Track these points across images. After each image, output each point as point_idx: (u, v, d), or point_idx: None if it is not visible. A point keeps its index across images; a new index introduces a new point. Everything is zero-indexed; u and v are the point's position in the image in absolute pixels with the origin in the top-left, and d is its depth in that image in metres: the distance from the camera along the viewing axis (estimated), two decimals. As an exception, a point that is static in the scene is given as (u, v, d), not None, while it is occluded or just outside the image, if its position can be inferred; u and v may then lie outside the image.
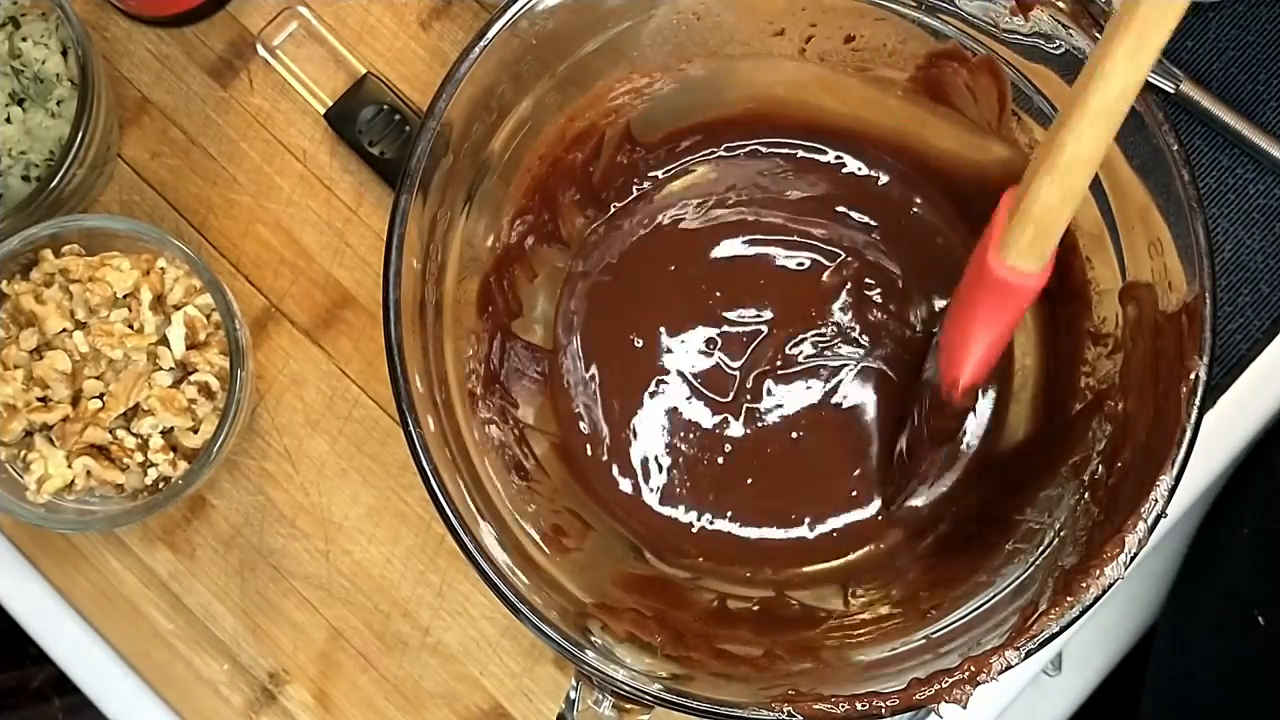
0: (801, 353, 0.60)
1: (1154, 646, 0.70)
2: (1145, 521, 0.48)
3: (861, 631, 0.54)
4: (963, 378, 0.50)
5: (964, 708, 0.48)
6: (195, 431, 0.58)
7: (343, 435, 0.63)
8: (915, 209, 0.60)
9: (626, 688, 0.48)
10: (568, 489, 0.59)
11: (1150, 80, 0.49)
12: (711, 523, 0.59)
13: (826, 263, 0.60)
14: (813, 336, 0.60)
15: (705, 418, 0.60)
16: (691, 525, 0.59)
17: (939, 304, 0.60)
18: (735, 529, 0.59)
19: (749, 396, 0.60)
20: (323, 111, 0.63)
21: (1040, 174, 0.44)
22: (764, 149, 0.61)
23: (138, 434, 0.58)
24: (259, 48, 0.64)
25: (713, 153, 0.61)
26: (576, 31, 0.52)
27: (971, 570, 0.53)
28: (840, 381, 0.60)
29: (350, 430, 0.63)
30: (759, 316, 0.60)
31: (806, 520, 0.59)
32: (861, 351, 0.60)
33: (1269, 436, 0.63)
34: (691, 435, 0.59)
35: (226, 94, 0.64)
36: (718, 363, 0.60)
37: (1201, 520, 0.68)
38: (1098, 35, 0.49)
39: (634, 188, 0.61)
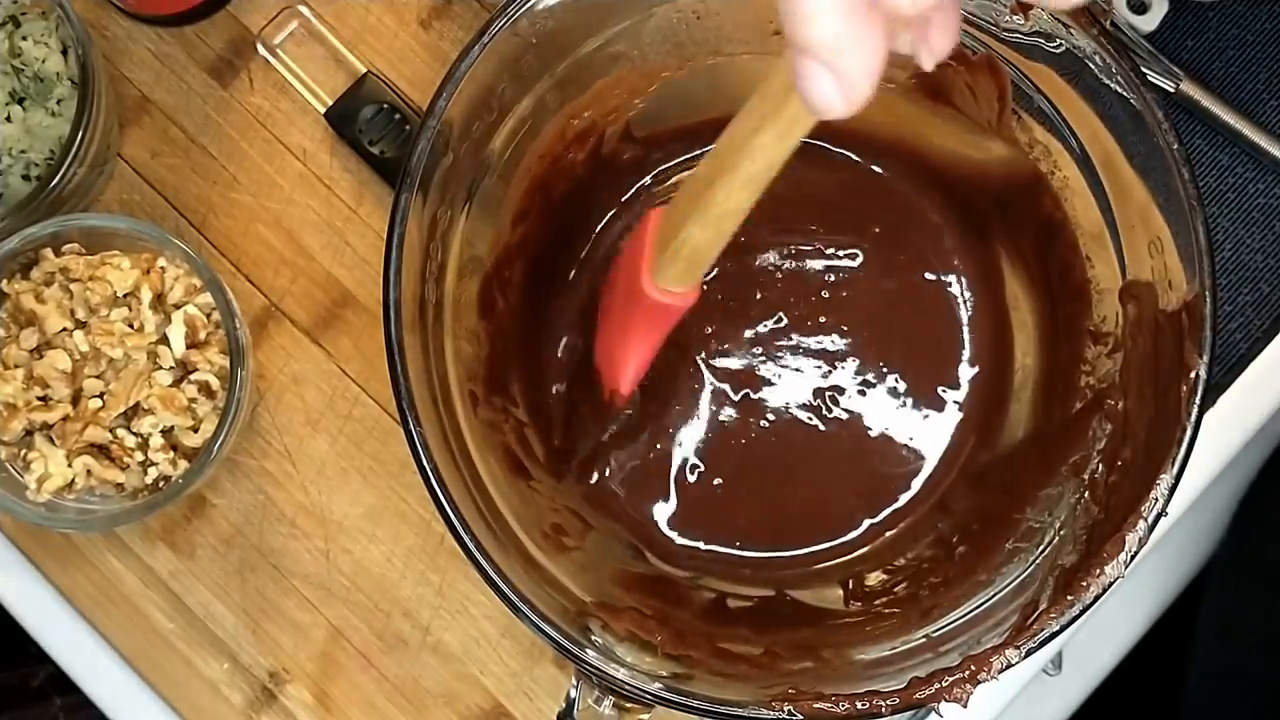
0: (804, 352, 0.60)
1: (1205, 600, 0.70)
2: (1145, 520, 0.48)
3: (861, 630, 0.54)
4: (624, 386, 0.53)
5: (964, 706, 0.48)
6: (195, 431, 0.58)
7: (343, 434, 0.63)
8: (914, 207, 0.60)
9: (627, 687, 0.48)
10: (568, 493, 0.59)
11: (1150, 79, 0.49)
12: (717, 541, 0.60)
13: (829, 263, 0.60)
14: (815, 337, 0.60)
15: (715, 422, 0.60)
16: (699, 544, 0.59)
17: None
18: (738, 550, 0.59)
19: (756, 399, 0.60)
20: (323, 111, 0.63)
21: (692, 219, 0.45)
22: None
23: (138, 433, 0.58)
24: (259, 47, 0.64)
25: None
26: (577, 30, 0.52)
27: (971, 569, 0.53)
28: (841, 386, 0.60)
29: (350, 429, 0.63)
30: (765, 318, 0.60)
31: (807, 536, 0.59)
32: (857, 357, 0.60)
33: None
34: (702, 443, 0.60)
35: (227, 93, 0.64)
36: (721, 367, 0.60)
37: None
38: (1098, 34, 0.49)
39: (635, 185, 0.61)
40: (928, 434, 0.60)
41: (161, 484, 0.59)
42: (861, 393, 0.60)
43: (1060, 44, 0.50)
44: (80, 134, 0.57)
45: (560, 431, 0.59)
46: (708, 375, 0.60)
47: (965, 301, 0.60)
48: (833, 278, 0.60)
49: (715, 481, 0.59)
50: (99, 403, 0.58)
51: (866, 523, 0.59)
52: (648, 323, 0.51)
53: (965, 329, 0.60)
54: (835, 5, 0.31)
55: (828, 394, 0.60)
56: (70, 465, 0.58)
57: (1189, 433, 0.48)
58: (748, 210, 0.43)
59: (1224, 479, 0.65)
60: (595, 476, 0.59)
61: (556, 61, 0.53)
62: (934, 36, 0.32)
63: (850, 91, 0.32)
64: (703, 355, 0.60)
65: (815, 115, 0.34)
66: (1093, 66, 0.49)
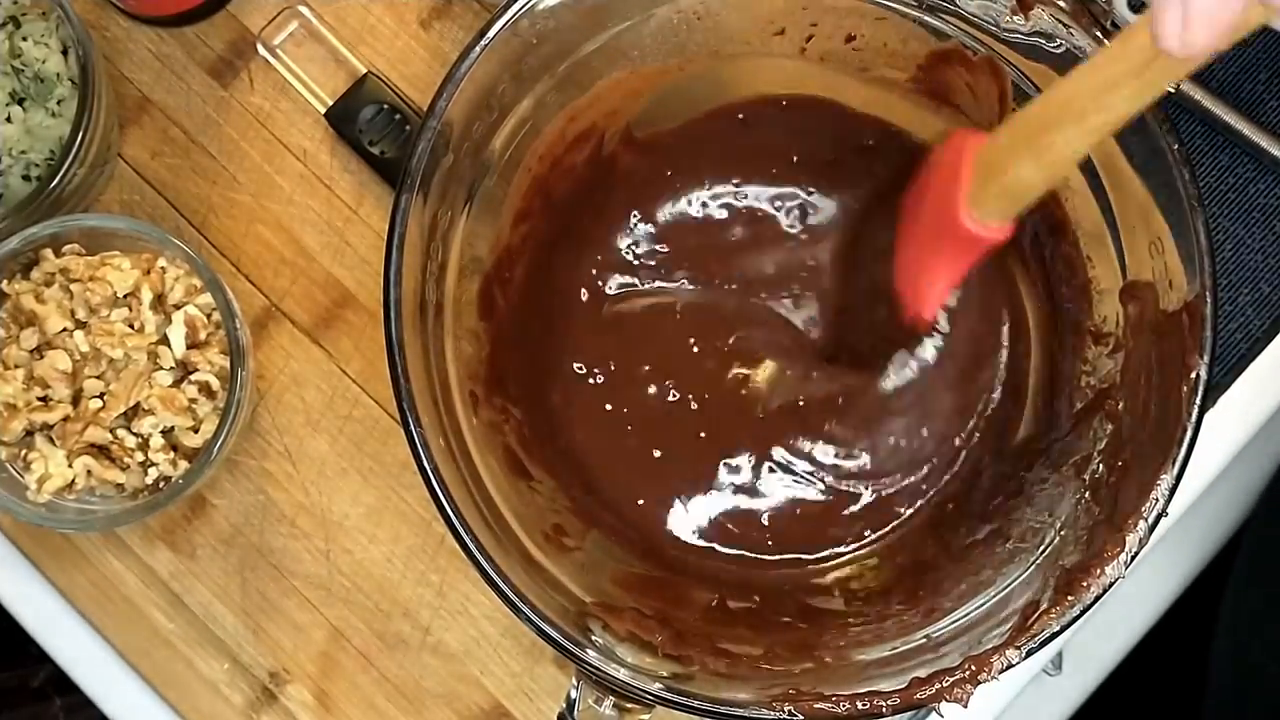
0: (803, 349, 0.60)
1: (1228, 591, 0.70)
2: (1146, 520, 0.48)
3: (861, 631, 0.54)
4: (928, 311, 0.53)
5: (965, 707, 0.48)
6: (196, 431, 0.58)
7: (343, 435, 0.63)
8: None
9: (627, 687, 0.48)
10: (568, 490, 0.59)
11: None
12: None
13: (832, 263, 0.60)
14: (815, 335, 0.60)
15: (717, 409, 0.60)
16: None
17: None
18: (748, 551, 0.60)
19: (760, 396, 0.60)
20: (323, 111, 0.63)
21: (1025, 159, 0.46)
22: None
23: (138, 433, 0.58)
24: (259, 47, 0.64)
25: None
26: (577, 31, 0.52)
27: (972, 570, 0.53)
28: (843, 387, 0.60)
29: (351, 430, 0.63)
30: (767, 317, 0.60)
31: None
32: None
33: None
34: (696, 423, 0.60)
35: (227, 93, 0.64)
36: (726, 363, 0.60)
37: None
38: (1098, 34, 0.49)
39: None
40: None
41: (162, 484, 0.59)
42: (864, 392, 0.60)
43: (1060, 44, 0.50)
44: (80, 134, 0.57)
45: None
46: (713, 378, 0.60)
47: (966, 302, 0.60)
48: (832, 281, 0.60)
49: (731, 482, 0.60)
50: (99, 403, 0.58)
51: (869, 534, 0.60)
52: (958, 251, 0.50)
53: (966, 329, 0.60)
54: None
55: (828, 394, 0.60)
56: (70, 465, 0.58)
57: (1189, 433, 0.48)
58: (1081, 159, 0.45)
59: (1224, 479, 0.65)
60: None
61: (557, 62, 0.53)
62: None
63: (1192, 28, 0.35)
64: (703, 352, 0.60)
65: (1164, 51, 0.36)
66: (1093, 66, 0.49)
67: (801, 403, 0.60)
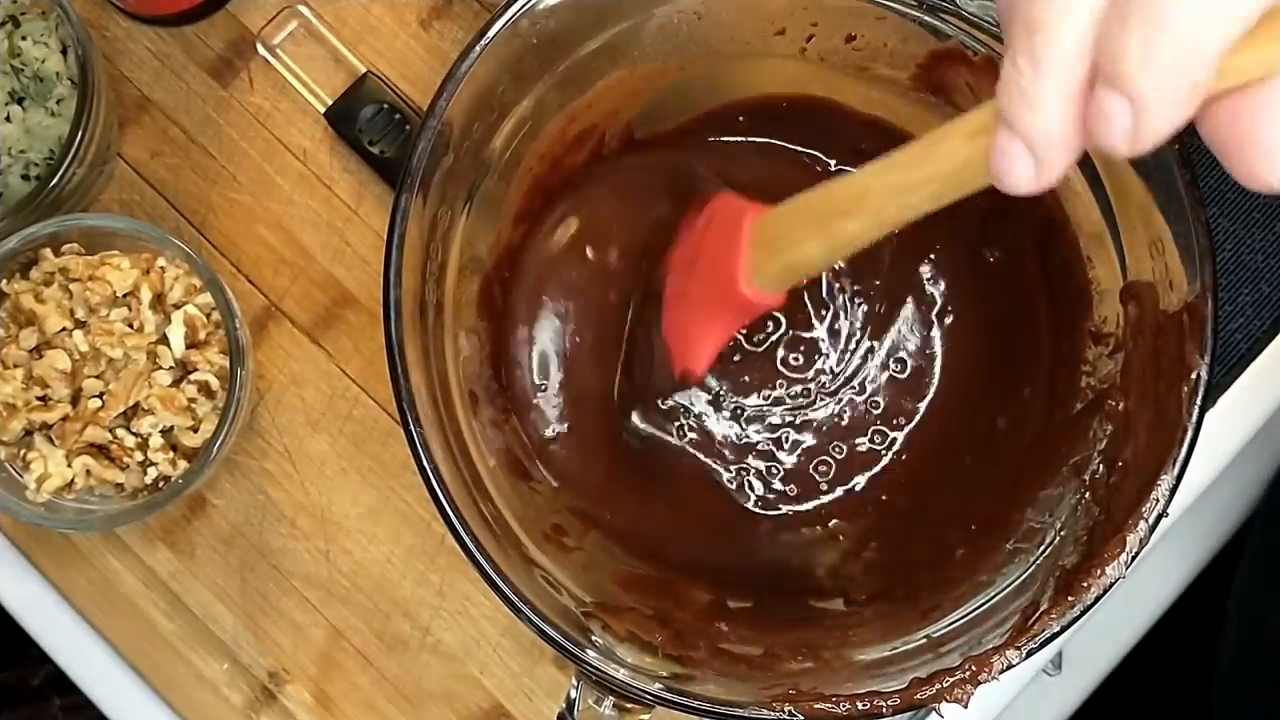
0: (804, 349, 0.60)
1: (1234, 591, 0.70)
2: (1146, 521, 0.48)
3: (861, 631, 0.54)
4: (698, 367, 0.53)
5: (965, 707, 0.48)
6: (195, 431, 0.58)
7: (343, 435, 0.63)
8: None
9: (627, 687, 0.48)
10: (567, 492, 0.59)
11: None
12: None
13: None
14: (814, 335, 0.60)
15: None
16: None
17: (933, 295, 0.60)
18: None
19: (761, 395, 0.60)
20: (323, 110, 0.63)
21: (813, 239, 0.45)
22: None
23: (137, 433, 0.58)
24: (259, 47, 0.64)
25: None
26: (577, 31, 0.52)
27: (972, 570, 0.53)
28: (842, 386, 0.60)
29: (350, 430, 0.63)
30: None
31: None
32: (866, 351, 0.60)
33: None
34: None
35: (226, 93, 0.64)
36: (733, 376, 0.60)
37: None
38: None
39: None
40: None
41: (161, 484, 0.59)
42: (864, 391, 0.60)
43: (1061, 44, 0.50)
44: (80, 134, 0.57)
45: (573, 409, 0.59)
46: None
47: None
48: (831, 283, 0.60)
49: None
50: (98, 403, 0.58)
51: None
52: (731, 314, 0.51)
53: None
54: (1060, 96, 0.32)
55: (828, 394, 0.60)
56: (70, 465, 0.58)
57: (1190, 433, 0.48)
58: (868, 242, 0.44)
59: (1225, 479, 0.65)
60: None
61: (557, 61, 0.53)
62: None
63: (1045, 178, 0.34)
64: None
65: (999, 188, 0.35)
66: (1093, 67, 0.49)
67: (804, 402, 0.60)
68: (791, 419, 0.60)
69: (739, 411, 0.60)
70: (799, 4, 0.54)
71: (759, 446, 0.60)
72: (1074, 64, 0.32)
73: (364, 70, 0.63)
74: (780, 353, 0.60)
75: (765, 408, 0.60)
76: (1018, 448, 0.58)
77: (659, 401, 0.59)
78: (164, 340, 0.58)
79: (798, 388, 0.60)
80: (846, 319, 0.60)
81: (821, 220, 0.45)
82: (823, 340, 0.60)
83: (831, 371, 0.60)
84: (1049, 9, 0.32)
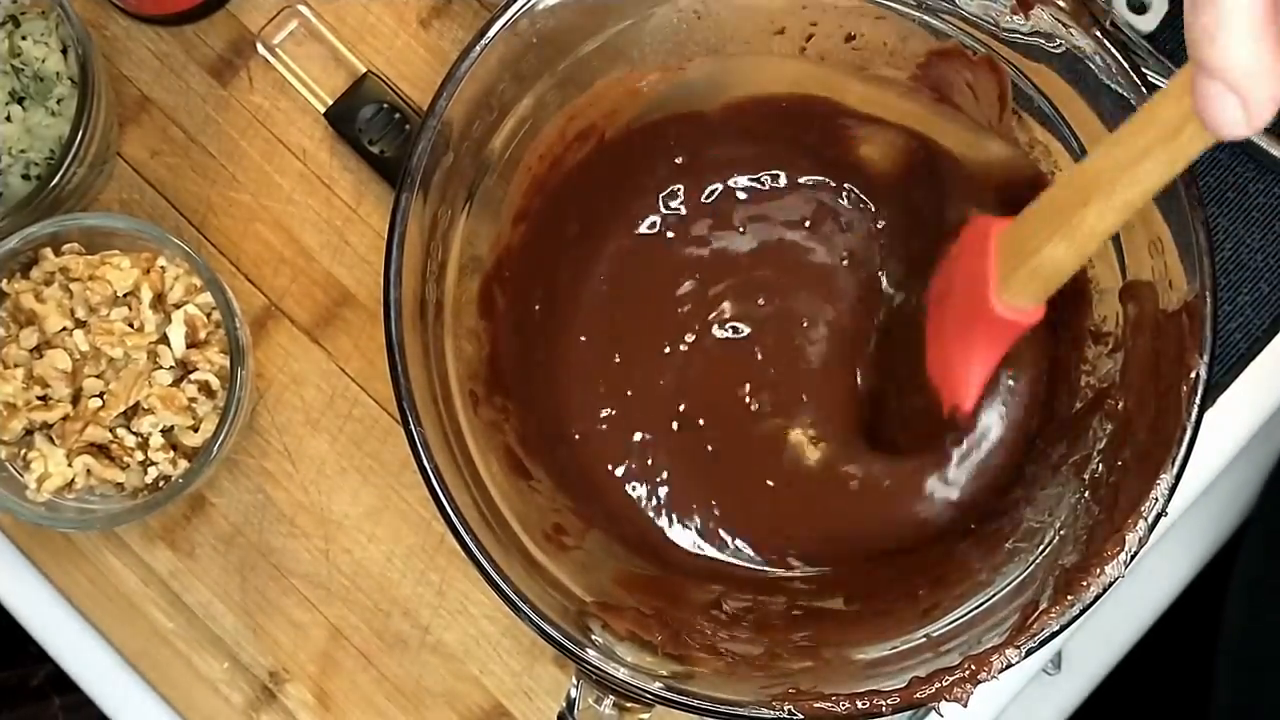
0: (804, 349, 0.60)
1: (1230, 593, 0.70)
2: (1146, 520, 0.48)
3: (861, 630, 0.54)
4: (966, 403, 0.52)
5: (964, 706, 0.48)
6: (195, 430, 0.58)
7: (343, 434, 0.63)
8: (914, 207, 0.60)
9: (627, 686, 0.48)
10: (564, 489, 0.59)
11: (1150, 79, 0.49)
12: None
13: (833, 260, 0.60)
14: (813, 333, 0.60)
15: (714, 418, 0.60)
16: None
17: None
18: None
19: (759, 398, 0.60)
20: (323, 110, 0.63)
21: (1056, 239, 0.45)
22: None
23: (138, 433, 0.58)
24: (259, 46, 0.64)
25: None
26: (577, 30, 0.52)
27: (972, 569, 0.53)
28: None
29: (350, 429, 0.63)
30: (764, 310, 0.60)
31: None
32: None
33: None
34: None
35: (226, 92, 0.64)
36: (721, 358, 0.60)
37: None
38: (1098, 34, 0.49)
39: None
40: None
41: (161, 483, 0.59)
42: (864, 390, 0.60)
43: (1060, 44, 0.50)
44: (80, 133, 0.57)
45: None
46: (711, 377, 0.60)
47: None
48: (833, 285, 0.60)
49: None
50: (99, 402, 0.58)
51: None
52: (992, 337, 0.50)
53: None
54: (1251, 32, 0.33)
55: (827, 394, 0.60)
56: (70, 465, 0.58)
57: (1189, 433, 0.48)
58: (1116, 231, 0.44)
59: (1224, 478, 0.65)
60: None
61: (557, 61, 0.53)
62: None
63: (1256, 116, 0.34)
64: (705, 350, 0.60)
65: (1216, 137, 0.36)
66: (1093, 66, 0.49)
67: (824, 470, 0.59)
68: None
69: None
70: (798, 3, 0.54)
71: None
72: None
73: (364, 70, 0.63)
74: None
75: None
76: (1017, 447, 0.58)
77: (922, 444, 0.57)
78: (164, 340, 0.58)
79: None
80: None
81: (1061, 216, 0.44)
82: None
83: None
84: None
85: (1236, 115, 0.34)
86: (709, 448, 0.59)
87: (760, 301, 0.60)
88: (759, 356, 0.60)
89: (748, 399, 0.59)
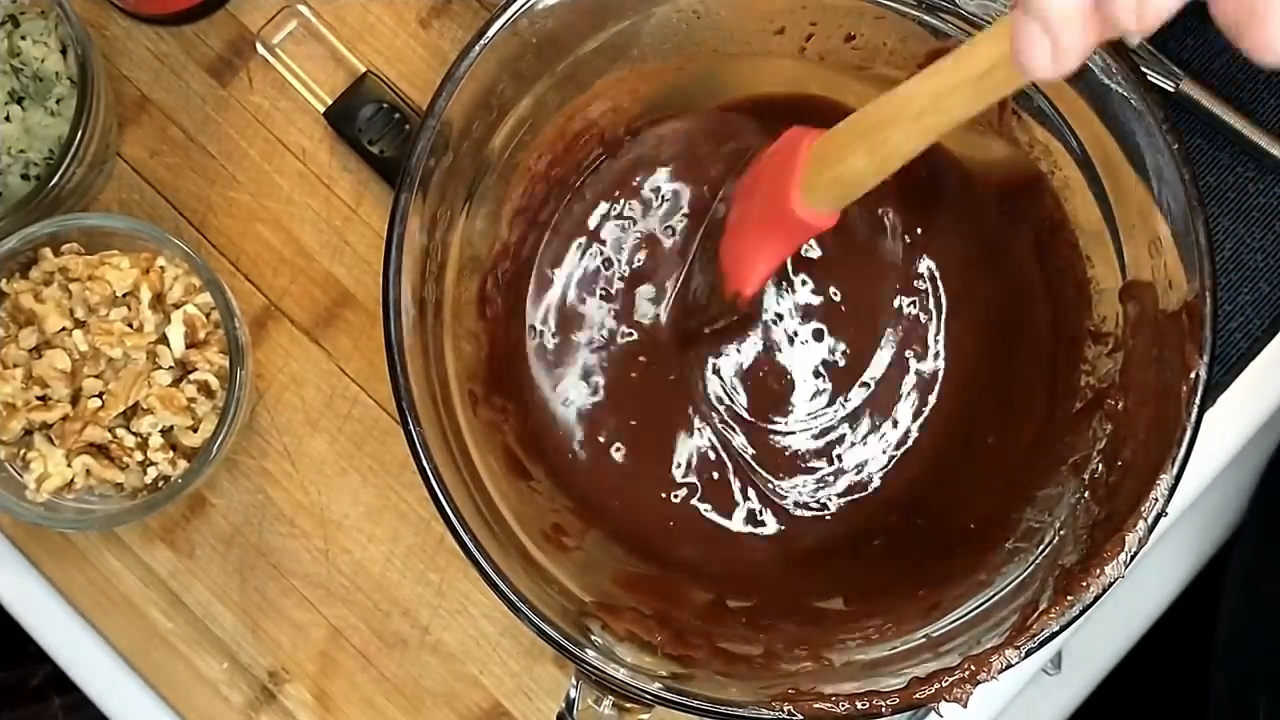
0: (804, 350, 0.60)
1: (1224, 597, 0.71)
2: (1145, 520, 0.48)
3: (861, 630, 0.54)
4: (748, 289, 0.55)
5: (964, 706, 0.48)
6: (195, 430, 0.58)
7: (342, 434, 0.63)
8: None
9: (627, 687, 0.48)
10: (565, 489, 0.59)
11: (1150, 79, 0.49)
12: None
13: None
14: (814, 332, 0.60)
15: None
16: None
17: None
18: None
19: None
20: (322, 110, 0.63)
21: (859, 152, 0.47)
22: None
23: (137, 433, 0.58)
24: (258, 46, 0.64)
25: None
26: (576, 30, 0.52)
27: (971, 569, 0.53)
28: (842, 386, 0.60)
29: (350, 429, 0.63)
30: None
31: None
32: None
33: None
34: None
35: (226, 92, 0.64)
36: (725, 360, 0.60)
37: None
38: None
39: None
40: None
41: (161, 484, 0.59)
42: (864, 389, 0.60)
43: (1060, 43, 0.50)
44: (79, 133, 0.57)
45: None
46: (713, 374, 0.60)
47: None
48: (833, 286, 0.60)
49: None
50: (98, 402, 0.58)
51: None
52: (784, 236, 0.53)
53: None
54: None
55: (828, 394, 0.60)
56: (69, 465, 0.58)
57: (1189, 433, 0.48)
58: (915, 155, 0.46)
59: (1224, 478, 0.65)
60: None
61: (556, 61, 0.53)
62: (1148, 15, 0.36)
63: (1062, 61, 0.37)
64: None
65: (1023, 76, 0.38)
66: (1093, 66, 0.49)
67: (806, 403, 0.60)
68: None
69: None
70: (798, 3, 0.54)
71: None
72: None
73: (364, 70, 0.63)
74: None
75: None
76: (1017, 447, 0.58)
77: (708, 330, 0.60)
78: (164, 340, 0.58)
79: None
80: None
81: (868, 133, 0.47)
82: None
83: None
84: None
85: (1045, 57, 0.37)
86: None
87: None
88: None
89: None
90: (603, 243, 0.60)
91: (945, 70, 0.44)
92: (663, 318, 0.60)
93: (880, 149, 0.47)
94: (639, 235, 0.60)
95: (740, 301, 0.55)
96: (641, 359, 0.60)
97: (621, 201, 0.60)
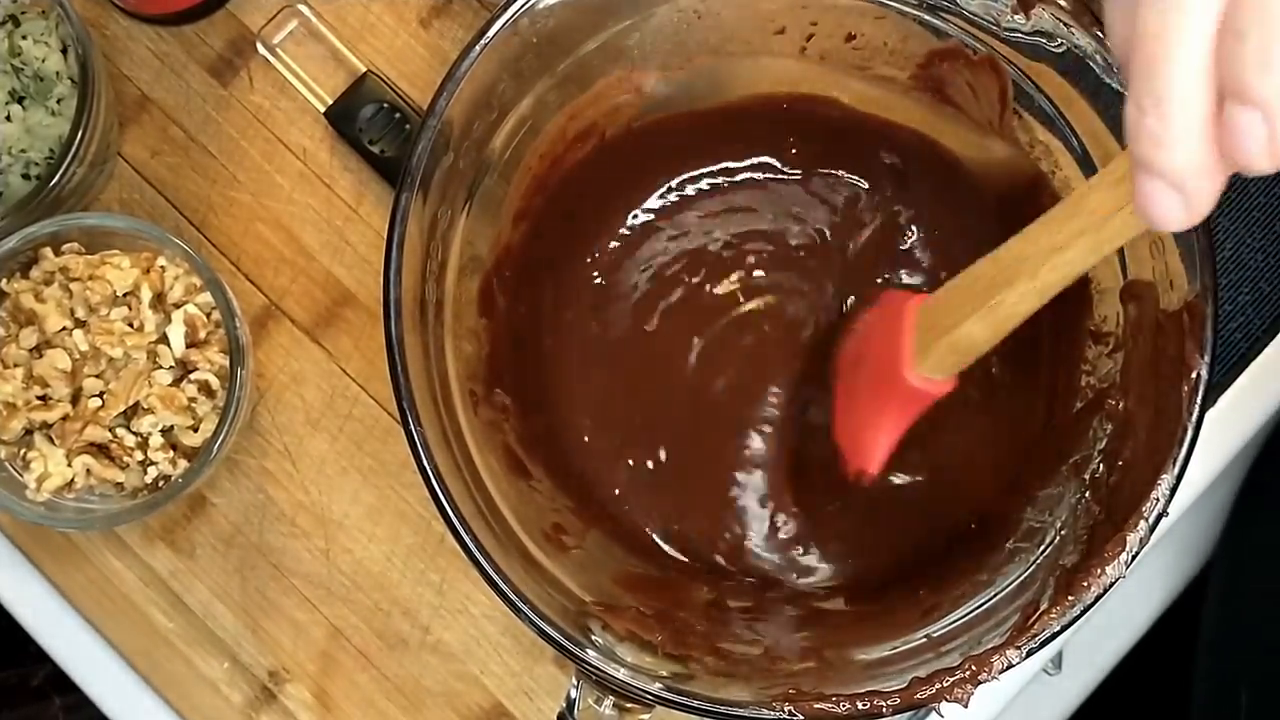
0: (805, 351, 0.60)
1: (1208, 587, 0.71)
2: (1146, 520, 0.48)
3: (862, 630, 0.54)
4: (871, 467, 0.53)
5: (965, 706, 0.48)
6: (195, 430, 0.58)
7: (343, 434, 0.63)
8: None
9: (627, 686, 0.48)
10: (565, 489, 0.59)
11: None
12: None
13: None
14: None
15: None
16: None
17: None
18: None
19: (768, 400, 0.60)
20: (323, 110, 0.63)
21: (974, 318, 0.46)
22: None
23: (137, 432, 0.58)
24: (259, 46, 0.64)
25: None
26: (577, 29, 0.52)
27: (972, 569, 0.53)
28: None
29: (350, 429, 0.63)
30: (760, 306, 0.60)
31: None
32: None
33: None
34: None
35: (226, 92, 0.64)
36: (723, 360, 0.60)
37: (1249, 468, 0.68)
38: (1099, 34, 0.49)
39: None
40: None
41: (161, 483, 0.59)
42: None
43: (1061, 43, 0.50)
44: (80, 133, 0.57)
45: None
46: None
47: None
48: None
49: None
50: (99, 402, 0.58)
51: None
52: (902, 407, 0.51)
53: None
54: (1196, 133, 0.32)
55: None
56: (70, 464, 0.58)
57: (1190, 432, 0.48)
58: (1032, 313, 0.44)
59: (1224, 478, 0.65)
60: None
61: (557, 61, 0.53)
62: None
63: (1195, 211, 0.34)
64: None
65: (1153, 228, 0.35)
66: (1093, 66, 0.49)
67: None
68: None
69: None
70: (799, 3, 0.54)
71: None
72: (1196, 92, 0.32)
73: (364, 69, 0.63)
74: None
75: None
76: (1018, 447, 0.58)
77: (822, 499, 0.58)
78: (164, 339, 0.58)
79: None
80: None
81: (982, 295, 0.45)
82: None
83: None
84: (1163, 43, 0.32)
85: (1177, 212, 0.34)
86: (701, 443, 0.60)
87: (757, 305, 0.60)
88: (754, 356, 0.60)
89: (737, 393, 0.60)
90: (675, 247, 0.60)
91: (1058, 224, 0.41)
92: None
93: (995, 311, 0.45)
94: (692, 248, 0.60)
95: (865, 479, 0.54)
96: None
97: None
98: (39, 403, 0.58)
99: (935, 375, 0.49)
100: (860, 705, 0.47)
